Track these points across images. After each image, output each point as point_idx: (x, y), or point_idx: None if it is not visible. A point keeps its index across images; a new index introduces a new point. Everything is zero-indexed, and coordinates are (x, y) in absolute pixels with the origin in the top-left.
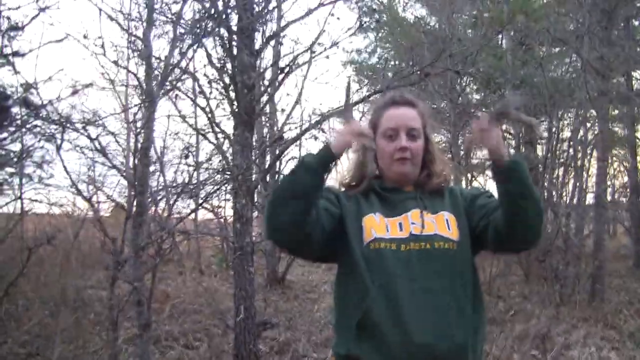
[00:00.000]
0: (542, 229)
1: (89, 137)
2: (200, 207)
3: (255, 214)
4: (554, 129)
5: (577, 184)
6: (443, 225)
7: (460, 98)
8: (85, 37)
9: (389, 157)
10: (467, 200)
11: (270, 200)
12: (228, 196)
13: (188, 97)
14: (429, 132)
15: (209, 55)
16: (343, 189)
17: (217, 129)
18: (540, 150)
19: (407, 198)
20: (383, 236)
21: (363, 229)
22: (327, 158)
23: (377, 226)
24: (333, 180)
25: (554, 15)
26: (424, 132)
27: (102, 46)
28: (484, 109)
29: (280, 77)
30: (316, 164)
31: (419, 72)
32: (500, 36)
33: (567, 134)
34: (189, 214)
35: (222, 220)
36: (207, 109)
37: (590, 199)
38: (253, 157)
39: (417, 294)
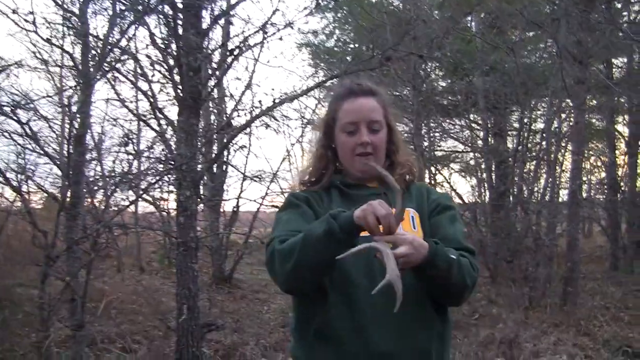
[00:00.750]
0: (465, 297)
1: (18, 121)
2: (140, 199)
3: (201, 207)
4: (525, 120)
5: (550, 179)
6: (408, 223)
7: (424, 85)
8: (14, 12)
9: (350, 153)
10: (431, 207)
11: (292, 261)
12: (171, 187)
13: (128, 79)
14: (391, 121)
15: (151, 35)
16: (302, 187)
17: (159, 115)
18: (510, 142)
19: (371, 194)
20: None
21: None
22: (348, 226)
23: None
24: (292, 178)
25: None
26: (386, 122)
27: (34, 22)
28: (449, 97)
29: (230, 59)
30: (344, 234)
31: (380, 56)
32: (469, 18)
33: (540, 125)
34: (128, 206)
35: (164, 213)
36: (149, 93)
37: (564, 195)
38: (199, 146)
39: (377, 299)
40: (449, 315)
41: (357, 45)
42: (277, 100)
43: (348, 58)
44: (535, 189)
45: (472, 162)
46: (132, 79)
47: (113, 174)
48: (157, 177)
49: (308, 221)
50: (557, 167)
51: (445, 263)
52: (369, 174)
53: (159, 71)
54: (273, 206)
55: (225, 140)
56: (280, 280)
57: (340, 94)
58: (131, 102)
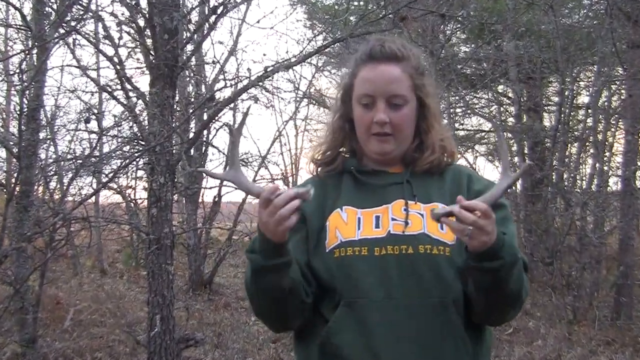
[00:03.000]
0: (513, 315)
1: None
2: (104, 188)
3: (177, 196)
4: (567, 92)
5: (597, 165)
6: (434, 224)
7: (443, 50)
8: None
9: (365, 131)
10: (470, 193)
11: (254, 306)
12: (141, 173)
13: (90, 42)
14: (423, 94)
15: None
16: (315, 168)
17: (127, 86)
18: (548, 120)
19: (391, 183)
20: (351, 238)
21: (326, 231)
22: (269, 247)
23: (343, 226)
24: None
25: None
26: (415, 94)
27: None
28: (474, 65)
29: (212, 19)
30: (263, 262)
31: (391, 16)
32: None
33: (584, 98)
34: (90, 196)
35: (132, 204)
36: (115, 60)
37: (614, 184)
38: (175, 123)
39: (394, 316)
40: (487, 333)
41: (362, 1)
42: (268, 69)
43: (352, 18)
44: (579, 176)
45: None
46: (95, 42)
47: (71, 157)
48: (125, 161)
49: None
50: (605, 150)
51: (511, 257)
52: (387, 158)
53: (128, 33)
54: None
55: (206, 117)
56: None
57: (359, 56)
58: (93, 69)
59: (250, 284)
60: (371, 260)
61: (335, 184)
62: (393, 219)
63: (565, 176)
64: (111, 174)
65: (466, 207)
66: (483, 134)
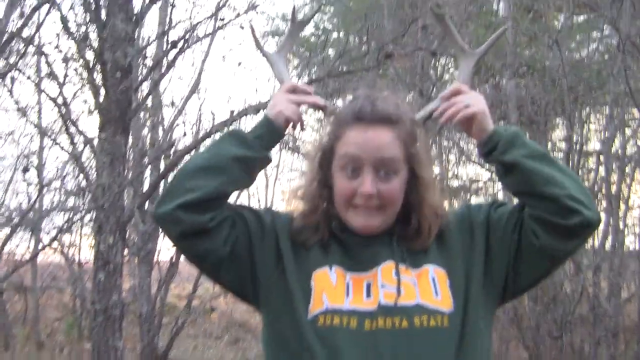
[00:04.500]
0: (589, 201)
1: None
2: (44, 248)
3: (128, 258)
4: (575, 138)
5: (612, 221)
6: (427, 287)
7: (434, 89)
8: None
9: (346, 202)
10: (481, 225)
11: (175, 174)
12: (87, 230)
13: (31, 81)
14: (415, 163)
15: (64, 20)
16: (293, 219)
17: (73, 130)
18: None
19: (379, 242)
20: (339, 307)
21: (311, 291)
22: (266, 131)
23: (331, 289)
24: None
25: None
26: (407, 162)
27: None
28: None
29: (171, 54)
30: (251, 136)
31: (377, 52)
32: None
33: (595, 145)
34: (29, 261)
35: (75, 266)
36: (60, 100)
37: (631, 243)
38: (127, 174)
39: None
40: None
41: (344, 35)
42: (235, 113)
43: (331, 51)
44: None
45: (500, 196)
46: (36, 79)
47: (6, 212)
48: (69, 218)
49: (247, 232)
50: (621, 204)
51: (510, 135)
52: (370, 232)
53: (75, 70)
54: None
55: (164, 167)
56: (159, 199)
57: (344, 115)
58: (34, 111)
59: (202, 152)
60: (360, 335)
61: (322, 247)
62: (382, 286)
63: None
64: (52, 231)
65: (443, 97)
66: (480, 184)
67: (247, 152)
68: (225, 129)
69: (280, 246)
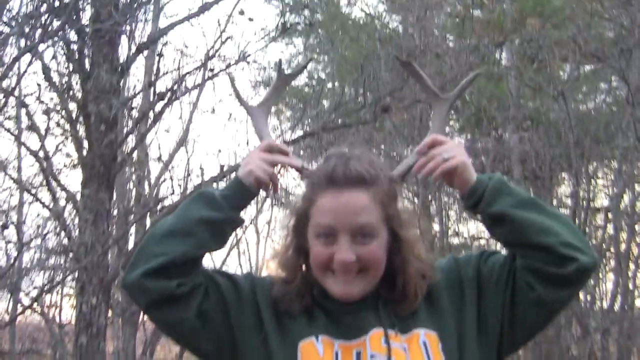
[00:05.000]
0: (585, 245)
1: None
2: (24, 311)
3: (111, 319)
4: (582, 194)
5: (621, 281)
6: (419, 353)
7: None
8: None
9: (324, 267)
10: (471, 281)
11: (143, 240)
12: (69, 290)
13: (11, 133)
14: (395, 224)
15: (46, 70)
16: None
17: (55, 185)
18: None
19: (364, 308)
20: None
21: None
22: (235, 191)
23: None
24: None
25: (584, 17)
26: (386, 224)
27: None
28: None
29: (158, 106)
30: (219, 197)
31: (373, 105)
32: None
33: (603, 201)
34: (8, 324)
35: (56, 328)
36: (41, 154)
37: None
38: (111, 231)
39: None
40: None
41: (338, 85)
42: (225, 168)
43: (325, 102)
44: (599, 295)
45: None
46: (16, 132)
47: None
48: (50, 278)
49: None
50: (630, 263)
51: (497, 182)
52: (352, 299)
53: (57, 122)
54: None
55: (149, 224)
56: (129, 265)
57: (317, 178)
58: (13, 166)
59: (170, 216)
60: None
61: (306, 316)
62: (372, 356)
63: (582, 296)
64: (32, 291)
65: (419, 151)
66: (482, 241)
67: (215, 214)
68: (214, 185)
69: (261, 315)
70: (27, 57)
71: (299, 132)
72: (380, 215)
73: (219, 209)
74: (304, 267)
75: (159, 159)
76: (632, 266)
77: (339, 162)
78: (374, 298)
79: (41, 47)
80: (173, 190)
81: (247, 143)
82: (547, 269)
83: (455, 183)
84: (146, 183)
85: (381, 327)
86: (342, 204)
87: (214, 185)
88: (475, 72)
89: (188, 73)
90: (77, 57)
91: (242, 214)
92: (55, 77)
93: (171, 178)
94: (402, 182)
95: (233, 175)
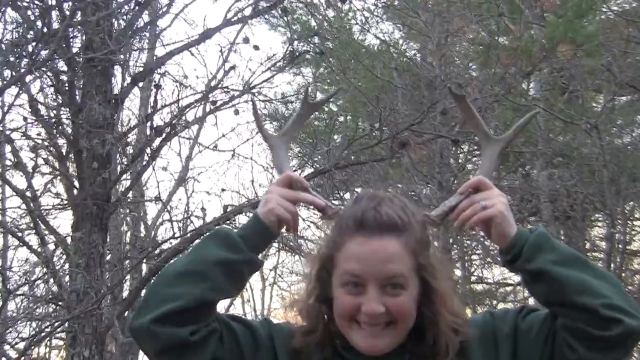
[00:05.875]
0: (632, 307)
1: None
2: None
3: None
4: (617, 236)
5: None
6: None
7: (456, 181)
8: None
9: (349, 319)
10: (508, 338)
11: (152, 282)
12: (58, 342)
13: None
14: (428, 274)
15: (34, 103)
16: (292, 334)
17: (43, 229)
18: None
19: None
20: None
21: None
22: (254, 231)
23: None
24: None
25: (619, 43)
26: (417, 274)
27: None
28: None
29: (156, 142)
30: (237, 237)
31: (389, 140)
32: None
33: None
34: None
35: None
36: (28, 194)
37: None
38: (106, 279)
39: None
40: None
41: (352, 119)
42: (229, 209)
43: (337, 138)
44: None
45: (531, 302)
46: (1, 170)
47: None
48: (39, 328)
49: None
50: None
51: (538, 238)
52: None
53: (45, 159)
54: None
55: (147, 271)
56: (137, 310)
57: (345, 221)
58: None
59: (184, 256)
60: None
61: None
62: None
63: None
64: (19, 343)
65: (461, 192)
66: (508, 288)
67: (232, 255)
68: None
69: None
70: (13, 89)
71: (309, 170)
72: (411, 264)
73: (237, 250)
74: (326, 317)
75: (157, 198)
76: None
77: (370, 205)
78: (400, 354)
79: (28, 78)
80: (173, 233)
81: (252, 182)
82: (590, 331)
83: (493, 235)
84: (142, 225)
85: None
86: (372, 251)
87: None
88: (532, 112)
89: (188, 106)
90: (67, 89)
91: (260, 256)
92: (43, 111)
93: (170, 220)
94: (440, 225)
95: (243, 215)
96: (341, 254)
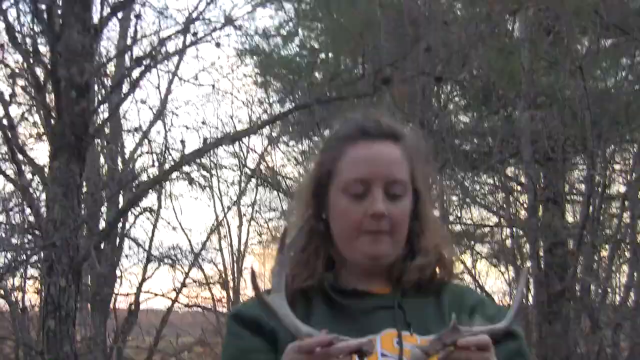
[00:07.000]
0: None
1: None
2: None
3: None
4: (597, 179)
5: (636, 274)
6: (434, 357)
7: (437, 121)
8: None
9: (354, 228)
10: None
11: None
12: (34, 272)
13: None
14: (419, 184)
15: (10, 29)
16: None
17: (20, 157)
18: (572, 214)
19: (377, 307)
20: None
21: None
22: None
23: None
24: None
25: None
26: (412, 185)
27: None
28: (476, 141)
29: (135, 73)
30: None
31: (372, 76)
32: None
33: (619, 187)
34: None
35: (20, 312)
36: (5, 122)
37: None
38: (82, 209)
39: None
40: None
41: (334, 56)
42: (208, 142)
43: (317, 74)
44: (611, 288)
45: (509, 243)
46: None
47: None
48: (14, 258)
49: None
50: None
51: None
52: (379, 264)
53: (23, 88)
54: (196, 306)
55: (125, 202)
56: None
57: (343, 133)
58: None
59: None
60: None
61: (303, 304)
62: (383, 355)
63: (592, 288)
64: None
65: (460, 345)
66: (486, 229)
67: None
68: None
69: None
70: None
71: (288, 105)
72: (409, 173)
73: None
74: (320, 241)
75: (136, 129)
76: None
77: (368, 116)
78: (393, 293)
79: (5, 4)
80: (153, 163)
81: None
82: None
83: None
84: (119, 160)
85: (394, 328)
86: (377, 153)
87: (197, 160)
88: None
89: (168, 37)
90: (45, 17)
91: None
92: (21, 39)
93: (150, 152)
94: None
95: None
96: (343, 161)
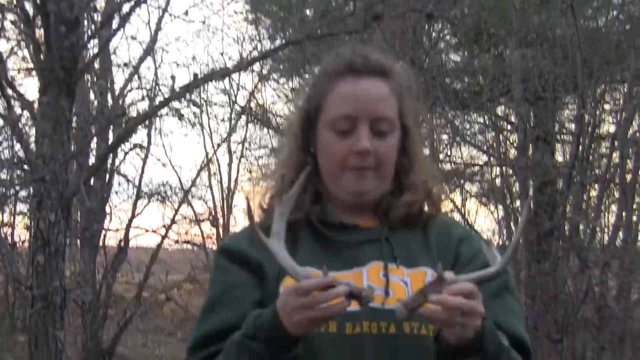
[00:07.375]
0: None
1: None
2: None
3: (69, 240)
4: (587, 118)
5: (625, 214)
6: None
7: (427, 59)
8: None
9: (339, 164)
10: (463, 265)
11: None
12: (23, 208)
13: None
14: (408, 120)
15: None
16: (260, 213)
17: (9, 92)
18: (561, 153)
19: (364, 240)
20: None
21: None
22: (280, 346)
23: None
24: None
25: None
26: (400, 121)
27: None
28: (467, 79)
29: (125, 7)
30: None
31: (363, 13)
32: None
33: (609, 127)
34: None
35: (9, 246)
36: None
37: None
38: (72, 145)
39: None
40: None
41: None
42: (198, 78)
43: (308, 11)
44: (600, 227)
45: (498, 182)
46: None
47: None
48: (3, 193)
49: (244, 297)
50: (635, 195)
51: (494, 347)
52: (365, 199)
53: (12, 22)
54: (185, 242)
55: (115, 137)
56: None
57: (332, 69)
58: None
59: None
60: (341, 340)
61: (290, 237)
62: (369, 287)
63: (581, 228)
64: None
65: (451, 292)
66: (475, 168)
67: None
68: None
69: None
70: None
71: (279, 42)
72: (396, 109)
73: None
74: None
75: (126, 65)
76: (637, 198)
77: (357, 52)
78: (380, 226)
79: None
80: (143, 97)
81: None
82: None
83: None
84: (109, 95)
85: (381, 260)
86: (364, 89)
87: (187, 96)
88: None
89: None
90: None
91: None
92: None
93: (140, 87)
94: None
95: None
96: (330, 97)
